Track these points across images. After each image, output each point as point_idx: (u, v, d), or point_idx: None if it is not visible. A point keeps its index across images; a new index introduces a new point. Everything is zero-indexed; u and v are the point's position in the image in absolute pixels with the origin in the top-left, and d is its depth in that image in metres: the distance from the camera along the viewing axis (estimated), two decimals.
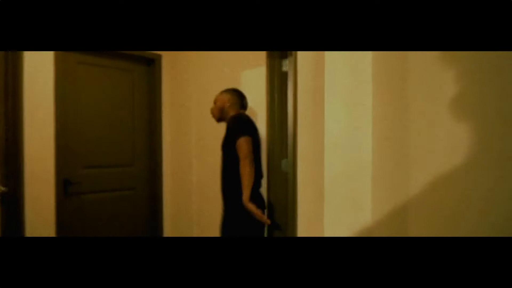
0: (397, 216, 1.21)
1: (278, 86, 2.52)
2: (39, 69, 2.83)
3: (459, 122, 1.01)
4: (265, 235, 2.48)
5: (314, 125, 1.36)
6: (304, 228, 1.59)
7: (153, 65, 3.60)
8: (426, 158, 1.12)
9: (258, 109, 2.63)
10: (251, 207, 2.17)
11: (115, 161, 3.38)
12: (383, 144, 1.26)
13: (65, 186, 3.02)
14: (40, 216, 2.84)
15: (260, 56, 2.76)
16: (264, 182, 2.67)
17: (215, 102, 2.59)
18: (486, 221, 0.97)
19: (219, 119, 2.60)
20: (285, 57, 2.61)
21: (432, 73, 1.09)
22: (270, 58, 2.68)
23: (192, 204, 3.48)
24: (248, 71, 2.96)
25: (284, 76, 2.59)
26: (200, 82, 3.40)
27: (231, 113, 2.52)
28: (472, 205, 1.00)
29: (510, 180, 0.92)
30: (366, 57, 1.30)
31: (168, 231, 3.71)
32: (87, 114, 3.18)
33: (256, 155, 2.40)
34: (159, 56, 3.60)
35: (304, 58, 1.48)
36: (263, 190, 2.67)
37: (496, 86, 0.94)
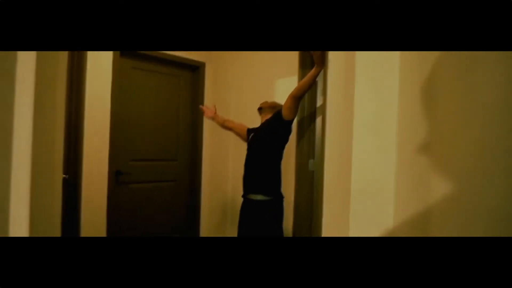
0: (419, 218, 1.18)
1: (309, 93, 2.51)
2: (99, 72, 2.95)
3: (488, 127, 0.94)
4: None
5: (342, 128, 1.35)
6: (329, 227, 1.56)
7: (197, 71, 3.66)
8: (451, 163, 1.07)
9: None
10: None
11: (161, 155, 3.47)
12: (408, 148, 1.22)
13: (116, 176, 3.12)
14: (94, 200, 2.95)
15: (293, 66, 2.77)
16: (291, 181, 2.66)
17: (265, 102, 2.58)
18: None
19: (264, 109, 2.55)
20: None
21: (461, 75, 1.02)
22: (301, 68, 2.68)
23: (228, 195, 3.53)
24: (281, 80, 2.97)
25: (314, 84, 2.58)
26: (238, 88, 3.45)
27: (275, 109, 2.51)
28: (496, 211, 0.94)
29: None
30: (393, 58, 1.26)
31: (205, 219, 3.76)
32: (137, 114, 3.28)
33: (283, 146, 2.36)
34: (203, 64, 3.67)
35: (334, 66, 1.47)
36: (290, 189, 2.66)
37: None
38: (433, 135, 1.12)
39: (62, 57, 1.39)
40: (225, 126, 2.81)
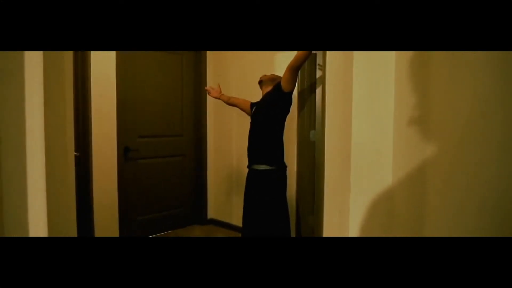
0: (416, 179, 1.20)
1: (308, 66, 2.49)
2: (103, 55, 2.92)
3: (473, 100, 0.98)
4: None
5: (342, 100, 1.35)
6: (331, 192, 1.59)
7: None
8: (442, 136, 1.10)
9: None
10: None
11: (167, 132, 3.48)
12: (404, 120, 1.23)
13: (125, 152, 3.15)
14: (105, 176, 2.99)
15: None
16: (293, 151, 2.68)
17: (265, 75, 2.54)
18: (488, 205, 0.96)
19: (264, 82, 2.53)
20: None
21: (453, 59, 1.05)
22: None
23: (233, 167, 3.57)
24: (280, 53, 2.94)
25: (313, 57, 2.56)
26: (239, 63, 3.42)
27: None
28: (479, 166, 0.98)
29: None
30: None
31: (212, 190, 3.81)
32: (142, 92, 3.27)
33: (284, 118, 2.36)
34: None
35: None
36: (292, 159, 2.68)
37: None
38: (426, 108, 1.14)
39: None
40: (230, 103, 2.81)
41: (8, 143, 1.09)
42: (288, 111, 2.36)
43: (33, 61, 1.09)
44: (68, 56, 1.45)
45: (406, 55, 1.22)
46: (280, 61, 2.95)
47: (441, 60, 1.09)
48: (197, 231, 3.61)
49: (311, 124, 2.61)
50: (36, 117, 1.10)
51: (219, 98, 2.83)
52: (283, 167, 2.36)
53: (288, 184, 2.43)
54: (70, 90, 1.45)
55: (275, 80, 2.44)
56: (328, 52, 1.53)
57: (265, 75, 2.54)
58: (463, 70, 1.02)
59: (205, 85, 3.66)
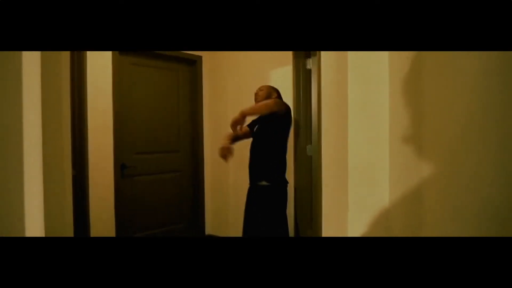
0: (412, 196, 1.20)
1: (303, 82, 2.52)
2: (99, 70, 2.95)
3: (467, 115, 0.99)
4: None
5: (337, 115, 1.36)
6: (329, 209, 1.58)
7: (195, 65, 3.65)
8: (437, 151, 1.11)
9: (285, 101, 2.63)
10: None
11: (163, 148, 3.48)
12: (400, 136, 1.24)
13: (121, 169, 3.13)
14: (102, 193, 2.98)
15: (287, 56, 2.77)
16: (291, 165, 2.67)
17: (261, 89, 2.57)
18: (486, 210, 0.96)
19: (259, 98, 2.57)
20: (309, 56, 2.60)
21: (445, 72, 1.07)
22: (295, 58, 2.68)
23: (229, 183, 3.56)
24: (276, 69, 2.97)
25: (308, 73, 2.59)
26: (235, 79, 3.44)
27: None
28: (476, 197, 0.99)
29: None
30: (383, 56, 1.28)
31: (209, 206, 3.79)
32: (139, 108, 3.28)
33: (286, 137, 2.39)
34: (200, 57, 3.65)
35: (327, 56, 1.47)
36: (290, 173, 2.68)
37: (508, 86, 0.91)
38: (421, 123, 1.15)
39: (64, 57, 1.39)
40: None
41: (4, 162, 1.08)
42: (288, 126, 2.38)
43: (31, 71, 1.09)
44: (64, 71, 1.45)
45: (400, 69, 1.23)
46: (276, 75, 2.97)
47: (434, 74, 1.10)
48: None
49: (308, 138, 2.62)
50: (33, 134, 1.10)
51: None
52: (284, 183, 2.36)
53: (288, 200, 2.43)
54: (67, 107, 1.46)
55: (270, 95, 2.46)
56: (322, 65, 1.55)
57: (261, 89, 2.56)
58: (456, 84, 1.03)
59: (201, 98, 3.69)
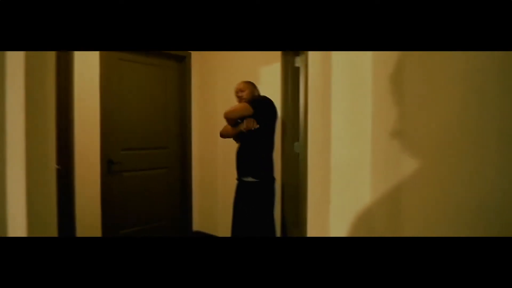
0: (393, 192, 1.23)
1: (291, 79, 2.54)
2: (86, 64, 2.91)
3: (453, 120, 1.02)
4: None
5: (322, 113, 1.37)
6: (313, 207, 1.59)
7: (184, 61, 3.64)
8: (418, 143, 1.13)
9: (273, 98, 2.64)
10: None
11: (151, 144, 3.46)
12: (382, 135, 1.27)
13: (108, 165, 3.11)
14: (88, 189, 2.96)
15: (276, 54, 2.78)
16: (278, 162, 2.69)
17: (243, 90, 2.62)
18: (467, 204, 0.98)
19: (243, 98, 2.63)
20: (298, 54, 2.62)
21: (428, 72, 1.09)
22: (284, 56, 2.69)
23: (217, 179, 3.56)
24: (265, 67, 2.98)
25: (296, 71, 2.61)
26: (224, 75, 3.44)
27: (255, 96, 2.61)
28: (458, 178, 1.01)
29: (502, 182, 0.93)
30: (367, 55, 1.30)
31: (197, 203, 3.79)
32: (126, 104, 3.26)
33: (271, 132, 2.43)
34: (189, 54, 3.64)
35: (314, 55, 1.48)
36: (277, 170, 2.69)
37: (493, 86, 0.94)
38: (403, 121, 1.17)
39: (50, 52, 1.38)
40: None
41: None
42: (273, 122, 2.40)
43: (15, 65, 1.08)
44: (50, 64, 1.43)
45: (384, 68, 1.25)
46: (264, 72, 2.98)
47: (417, 72, 1.13)
48: None
49: (295, 136, 2.64)
50: (16, 128, 1.09)
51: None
52: (271, 180, 2.38)
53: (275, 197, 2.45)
54: (52, 100, 1.44)
55: (254, 94, 2.51)
56: (309, 63, 1.56)
57: (242, 89, 2.58)
58: (439, 82, 1.06)
59: (190, 94, 3.69)
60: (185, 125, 3.69)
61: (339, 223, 1.34)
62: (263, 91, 2.98)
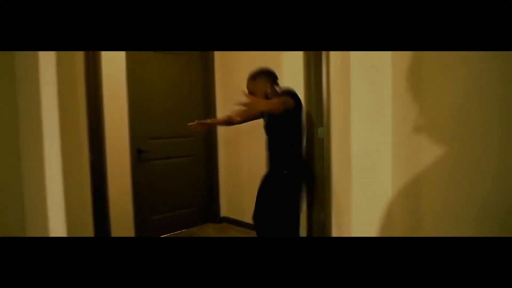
0: (414, 179, 1.24)
1: (314, 66, 2.52)
2: (113, 56, 3.02)
3: (472, 113, 1.02)
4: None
5: (342, 100, 1.38)
6: (337, 192, 1.62)
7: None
8: (437, 131, 1.13)
9: (296, 82, 2.64)
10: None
11: (177, 132, 3.56)
12: (401, 126, 1.27)
13: (138, 154, 3.24)
14: (119, 178, 3.10)
15: None
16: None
17: (251, 92, 2.36)
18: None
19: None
20: None
21: (443, 71, 1.09)
22: None
23: (243, 166, 3.63)
24: (289, 56, 2.98)
25: (318, 57, 2.58)
26: (247, 61, 3.46)
27: (274, 93, 2.40)
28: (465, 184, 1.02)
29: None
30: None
31: (224, 189, 3.89)
32: (152, 94, 3.36)
33: (299, 126, 2.38)
34: None
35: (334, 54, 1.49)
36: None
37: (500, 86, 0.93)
38: (423, 110, 1.18)
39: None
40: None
41: (26, 149, 1.16)
42: (300, 112, 2.35)
43: (47, 64, 1.14)
44: (79, 60, 1.51)
45: (402, 59, 1.25)
46: (287, 57, 2.98)
47: (437, 65, 1.12)
48: (210, 229, 3.69)
49: (319, 121, 2.64)
50: (51, 123, 1.17)
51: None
52: (300, 172, 2.38)
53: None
54: (82, 94, 1.53)
55: (266, 89, 2.38)
56: (331, 61, 1.57)
57: (250, 92, 2.37)
58: (457, 73, 1.05)
59: (214, 85, 3.74)
60: (209, 113, 3.76)
61: (360, 211, 1.36)
62: (286, 76, 2.98)
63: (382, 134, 1.33)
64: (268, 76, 2.43)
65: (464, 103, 1.04)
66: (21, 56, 1.13)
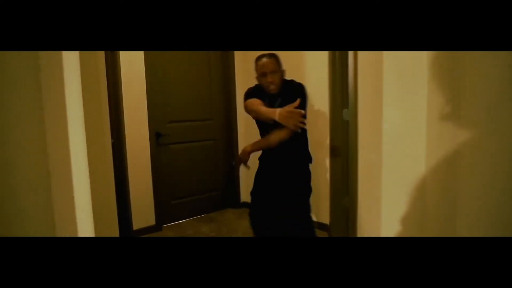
0: (449, 164, 1.20)
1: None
2: (132, 56, 3.02)
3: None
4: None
5: (373, 80, 1.35)
6: (365, 176, 1.60)
7: None
8: (474, 124, 1.10)
9: (320, 60, 2.59)
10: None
11: (196, 116, 3.58)
12: (437, 107, 1.23)
13: (157, 138, 3.27)
14: (139, 161, 3.16)
15: None
16: (326, 129, 2.67)
17: (273, 71, 2.20)
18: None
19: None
20: None
21: (480, 70, 1.05)
22: None
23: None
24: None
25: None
26: None
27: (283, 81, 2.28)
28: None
29: None
30: None
31: (244, 174, 3.91)
32: (170, 77, 3.37)
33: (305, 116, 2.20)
34: None
35: None
36: (324, 137, 2.69)
37: None
38: (460, 94, 1.14)
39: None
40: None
41: (53, 137, 1.19)
42: (306, 106, 2.29)
43: (69, 54, 1.17)
44: (101, 61, 1.54)
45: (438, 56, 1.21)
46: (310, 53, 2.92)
47: (473, 54, 1.08)
48: (230, 214, 3.72)
49: (344, 102, 2.59)
50: (76, 111, 1.19)
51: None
52: (306, 161, 2.36)
53: (322, 164, 2.44)
54: (104, 79, 1.54)
55: (281, 72, 2.27)
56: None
57: (273, 70, 2.20)
58: (494, 63, 1.01)
59: (233, 68, 3.73)
60: (229, 97, 3.76)
61: (391, 192, 1.34)
62: (310, 63, 2.91)
63: (416, 119, 1.30)
64: (279, 59, 2.28)
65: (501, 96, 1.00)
66: (45, 54, 1.16)
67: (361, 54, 1.49)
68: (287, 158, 2.32)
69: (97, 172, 1.42)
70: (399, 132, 1.30)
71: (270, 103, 2.25)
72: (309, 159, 2.40)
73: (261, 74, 2.24)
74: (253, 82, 3.55)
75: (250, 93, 2.38)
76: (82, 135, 1.18)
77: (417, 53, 1.25)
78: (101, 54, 1.54)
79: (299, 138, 2.29)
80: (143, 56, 3.12)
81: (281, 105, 2.17)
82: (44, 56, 1.15)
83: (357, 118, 1.66)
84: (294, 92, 2.17)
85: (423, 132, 1.29)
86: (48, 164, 1.19)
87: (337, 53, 2.48)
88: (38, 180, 1.19)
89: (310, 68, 3.13)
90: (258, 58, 2.28)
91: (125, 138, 3.01)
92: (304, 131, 2.32)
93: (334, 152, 2.71)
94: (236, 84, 3.77)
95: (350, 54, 2.39)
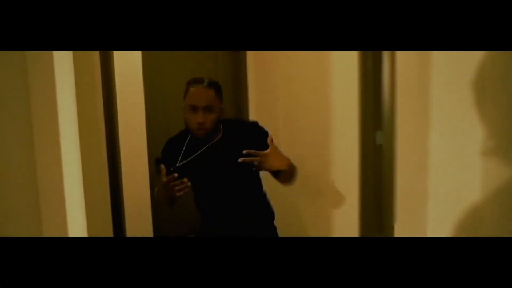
0: (506, 197, 1.16)
1: (372, 61, 2.40)
2: (128, 56, 3.16)
3: None
4: None
5: (416, 97, 1.32)
6: (403, 209, 1.56)
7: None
8: None
9: (348, 74, 2.54)
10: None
11: None
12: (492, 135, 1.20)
13: (156, 164, 3.28)
14: (136, 189, 3.23)
15: None
16: (355, 156, 2.63)
17: (208, 106, 1.87)
18: None
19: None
20: None
21: None
22: None
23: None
24: (337, 52, 2.90)
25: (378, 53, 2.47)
26: (285, 60, 3.37)
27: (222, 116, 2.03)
28: None
29: None
30: None
31: None
32: (173, 97, 3.39)
33: None
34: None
35: None
36: (352, 165, 2.64)
37: None
38: None
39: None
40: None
41: (43, 146, 1.21)
42: None
43: (62, 60, 1.21)
44: (96, 60, 1.58)
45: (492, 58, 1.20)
46: (336, 62, 2.86)
47: None
48: None
49: (377, 123, 2.55)
50: (70, 124, 1.23)
51: None
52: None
53: (349, 199, 2.40)
54: (98, 79, 1.61)
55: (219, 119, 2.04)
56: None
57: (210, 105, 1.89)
58: None
59: (246, 85, 3.72)
60: (240, 101, 3.77)
61: (438, 229, 1.29)
62: (336, 67, 2.87)
63: (467, 141, 1.25)
64: (221, 91, 2.02)
65: None
66: (33, 55, 1.19)
67: (401, 62, 1.47)
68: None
69: (91, 176, 1.48)
70: (451, 160, 1.26)
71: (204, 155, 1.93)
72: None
73: (190, 107, 1.85)
74: (269, 105, 3.52)
75: (164, 149, 2.17)
76: (75, 137, 1.22)
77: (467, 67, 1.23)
78: (96, 57, 1.61)
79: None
80: (141, 71, 3.23)
81: (223, 159, 1.90)
82: (32, 56, 1.19)
83: (394, 143, 1.63)
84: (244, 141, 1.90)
85: (477, 162, 1.25)
86: (36, 170, 1.23)
87: (369, 59, 2.43)
88: (24, 184, 1.24)
89: (336, 79, 3.08)
90: (190, 83, 1.91)
91: (120, 163, 3.02)
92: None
93: (364, 182, 2.66)
94: (249, 87, 3.76)
95: (386, 61, 2.34)
